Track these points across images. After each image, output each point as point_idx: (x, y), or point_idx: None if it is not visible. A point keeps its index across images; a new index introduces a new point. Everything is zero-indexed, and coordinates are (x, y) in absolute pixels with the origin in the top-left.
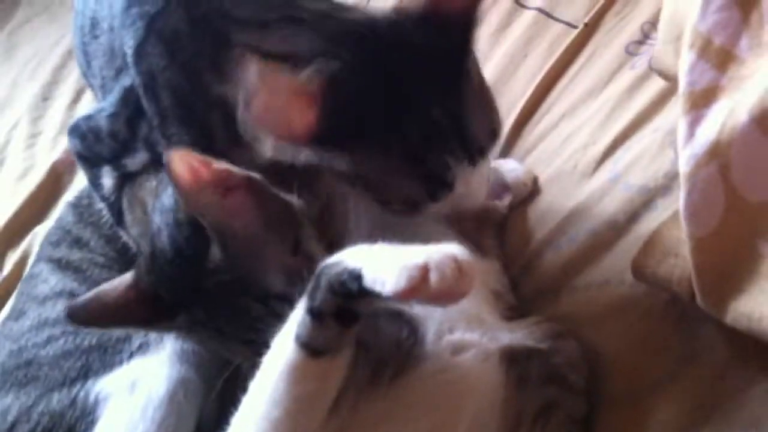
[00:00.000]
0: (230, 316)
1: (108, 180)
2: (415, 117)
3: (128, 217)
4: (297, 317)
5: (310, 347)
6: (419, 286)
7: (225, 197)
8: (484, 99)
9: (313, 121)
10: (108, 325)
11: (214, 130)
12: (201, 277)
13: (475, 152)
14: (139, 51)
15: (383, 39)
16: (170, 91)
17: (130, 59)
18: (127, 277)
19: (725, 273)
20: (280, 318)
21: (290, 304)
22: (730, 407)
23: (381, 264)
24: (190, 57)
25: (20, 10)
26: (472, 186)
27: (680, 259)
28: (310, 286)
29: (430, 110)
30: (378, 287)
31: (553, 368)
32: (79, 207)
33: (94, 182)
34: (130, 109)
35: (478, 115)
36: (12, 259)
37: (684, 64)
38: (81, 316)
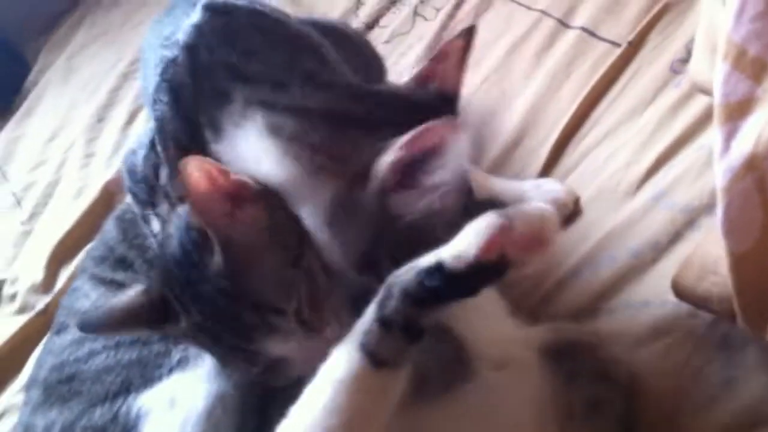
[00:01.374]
0: (226, 323)
1: (155, 222)
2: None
3: None
4: (363, 326)
5: (376, 357)
6: (505, 234)
7: (237, 207)
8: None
9: None
10: (118, 330)
11: None
12: (202, 282)
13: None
14: (155, 98)
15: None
16: (174, 142)
17: (149, 106)
18: (139, 285)
19: (766, 291)
20: (272, 329)
21: (283, 316)
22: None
23: (456, 243)
24: (190, 110)
25: (79, 34)
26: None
27: (719, 277)
28: (379, 297)
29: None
30: (464, 258)
31: (600, 363)
32: (123, 222)
33: (144, 217)
34: (155, 153)
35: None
36: (65, 275)
37: (718, 75)
38: (92, 325)
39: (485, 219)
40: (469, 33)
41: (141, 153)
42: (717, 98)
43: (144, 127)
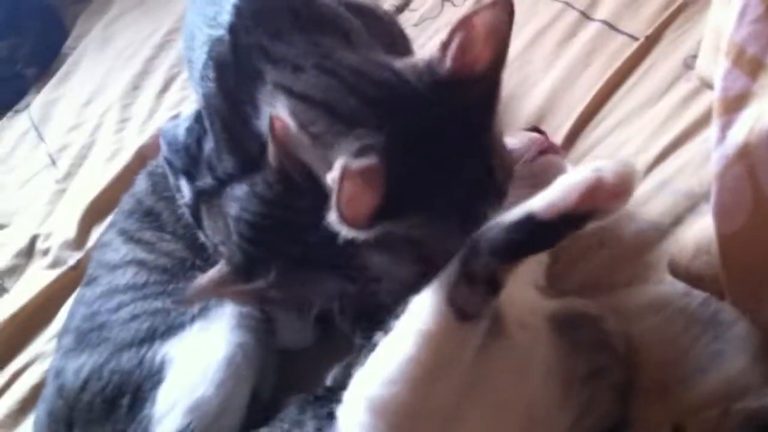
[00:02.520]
0: (327, 249)
1: (186, 190)
2: (456, 177)
3: (206, 223)
4: (448, 280)
5: (462, 310)
6: (599, 187)
7: None
8: (504, 153)
9: (373, 206)
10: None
11: (256, 161)
12: (297, 218)
13: (502, 197)
14: (202, 74)
15: (418, 104)
16: (219, 117)
17: (196, 81)
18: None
19: (753, 271)
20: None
21: None
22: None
23: (546, 195)
24: (233, 88)
25: (116, 3)
26: None
27: (711, 258)
28: (464, 252)
29: (465, 168)
30: (557, 208)
31: (603, 334)
32: (154, 176)
33: (176, 186)
34: (200, 126)
35: (503, 165)
36: (96, 233)
37: (719, 71)
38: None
39: (578, 173)
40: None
41: (184, 124)
42: (716, 92)
43: (178, 96)
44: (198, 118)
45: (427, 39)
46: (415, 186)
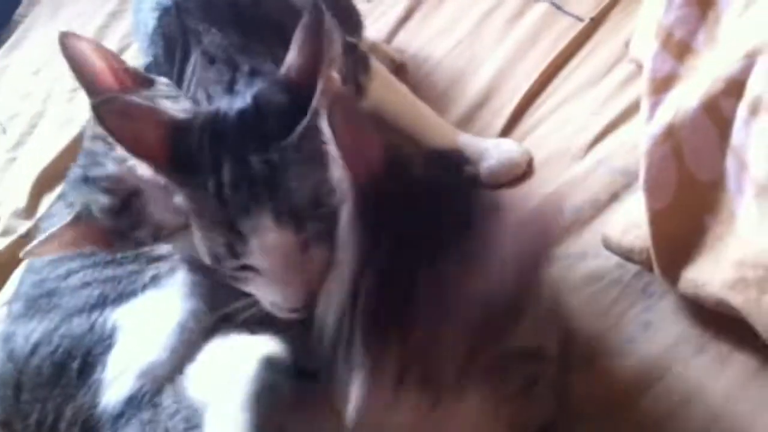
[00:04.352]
0: None
1: None
2: (232, 160)
3: None
4: None
5: None
6: None
7: None
8: (320, 168)
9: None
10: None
11: None
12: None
13: (285, 215)
14: (152, 38)
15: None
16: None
17: (144, 41)
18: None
19: (677, 244)
20: None
21: None
22: (679, 372)
23: None
24: (177, 58)
25: None
26: (275, 250)
27: (642, 231)
28: None
29: (248, 156)
30: None
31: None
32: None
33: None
34: None
35: (308, 181)
36: (47, 201)
37: (649, 53)
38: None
39: None
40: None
41: None
42: (646, 72)
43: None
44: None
45: (381, 15)
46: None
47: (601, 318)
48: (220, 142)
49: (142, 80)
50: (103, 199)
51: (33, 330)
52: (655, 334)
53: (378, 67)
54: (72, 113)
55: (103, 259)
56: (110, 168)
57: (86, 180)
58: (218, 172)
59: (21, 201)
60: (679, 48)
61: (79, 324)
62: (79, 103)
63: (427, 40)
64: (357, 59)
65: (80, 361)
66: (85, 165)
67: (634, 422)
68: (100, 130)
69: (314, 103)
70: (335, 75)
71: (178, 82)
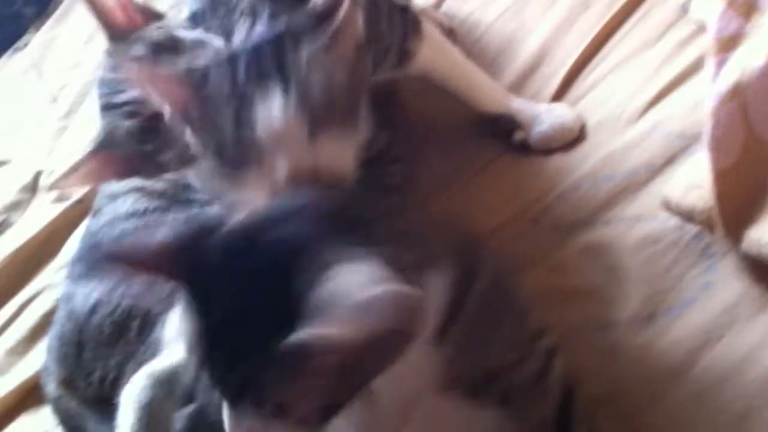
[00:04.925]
0: None
1: None
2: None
3: None
4: None
5: None
6: None
7: None
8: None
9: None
10: None
11: None
12: None
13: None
14: None
15: None
16: None
17: None
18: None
19: (741, 203)
20: None
21: None
22: (739, 332)
23: None
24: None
25: None
26: (285, 131)
27: (703, 191)
28: None
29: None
30: None
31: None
32: None
33: None
34: None
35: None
36: None
37: (715, 12)
38: None
39: None
40: None
41: None
42: (712, 32)
43: None
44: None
45: None
46: None
47: (660, 279)
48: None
49: (151, 15)
50: (127, 123)
51: (92, 290)
52: (716, 295)
53: (430, 30)
54: None
55: (155, 218)
56: (131, 92)
57: (107, 107)
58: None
59: None
60: (745, 7)
61: (137, 284)
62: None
63: (477, 6)
64: (407, 22)
65: (140, 320)
66: (106, 94)
67: (694, 382)
68: (119, 59)
69: (342, 8)
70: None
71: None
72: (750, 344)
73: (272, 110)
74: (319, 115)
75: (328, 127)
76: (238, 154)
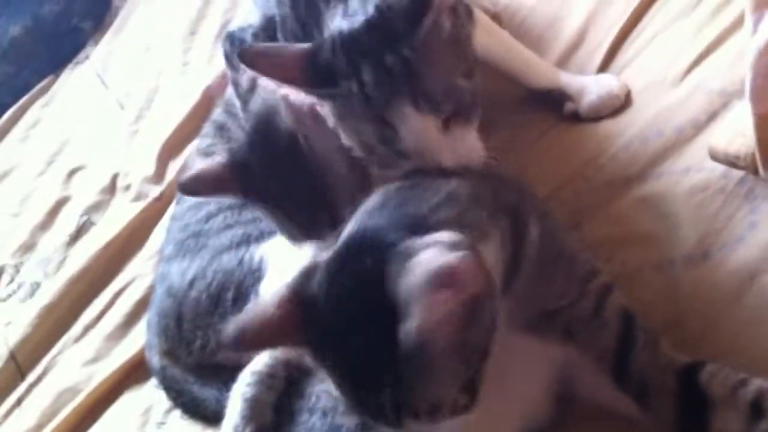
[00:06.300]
0: None
1: (245, 78)
2: (370, 63)
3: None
4: None
5: None
6: None
7: None
8: (450, 57)
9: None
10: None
11: None
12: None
13: (423, 101)
14: None
15: None
16: (293, 36)
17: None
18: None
19: None
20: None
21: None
22: None
23: None
24: (304, 14)
25: None
26: (419, 133)
27: (747, 138)
28: None
29: (383, 56)
30: None
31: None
32: (226, 104)
33: (235, 81)
34: (266, 35)
35: (439, 69)
36: (174, 167)
37: None
38: (190, 187)
39: None
40: None
41: (250, 30)
42: None
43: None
44: (266, 28)
45: None
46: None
47: (710, 222)
48: (355, 51)
49: None
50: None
51: (187, 267)
52: (761, 232)
53: (480, 15)
54: (185, 87)
55: (236, 204)
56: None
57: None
58: (359, 76)
59: (149, 169)
60: None
61: (228, 260)
62: (191, 77)
63: None
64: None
65: (234, 292)
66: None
67: (747, 308)
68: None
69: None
70: None
71: (306, 27)
72: None
73: (409, 121)
74: (445, 109)
75: (455, 118)
76: (388, 159)
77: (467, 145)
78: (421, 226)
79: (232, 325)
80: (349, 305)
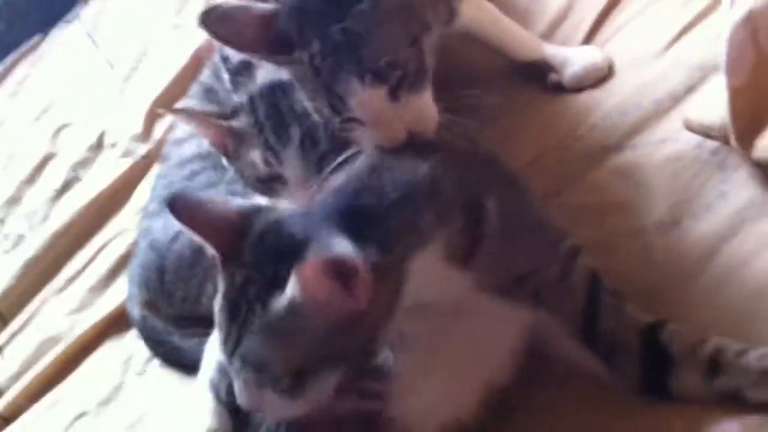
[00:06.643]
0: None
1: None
2: (317, 34)
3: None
4: None
5: None
6: None
7: None
8: (397, 25)
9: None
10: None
11: None
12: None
13: (367, 73)
14: None
15: None
16: None
17: None
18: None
19: (753, 117)
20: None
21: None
22: (750, 229)
23: None
24: None
25: None
26: (367, 104)
27: (721, 110)
28: None
29: (329, 27)
30: None
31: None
32: (213, 65)
33: (223, 56)
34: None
35: (383, 40)
36: (161, 127)
37: None
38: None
39: None
40: None
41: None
42: None
43: None
44: None
45: None
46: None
47: (683, 191)
48: (305, 20)
49: None
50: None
51: (171, 223)
52: (730, 201)
53: None
54: (175, 48)
55: (218, 162)
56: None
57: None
58: (308, 46)
59: (137, 127)
60: None
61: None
62: (182, 39)
63: None
64: None
65: None
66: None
67: (715, 272)
68: None
69: None
70: None
71: None
72: (758, 239)
73: (356, 92)
74: (390, 79)
75: (403, 86)
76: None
77: (417, 111)
78: (366, 223)
79: None
80: (263, 259)
